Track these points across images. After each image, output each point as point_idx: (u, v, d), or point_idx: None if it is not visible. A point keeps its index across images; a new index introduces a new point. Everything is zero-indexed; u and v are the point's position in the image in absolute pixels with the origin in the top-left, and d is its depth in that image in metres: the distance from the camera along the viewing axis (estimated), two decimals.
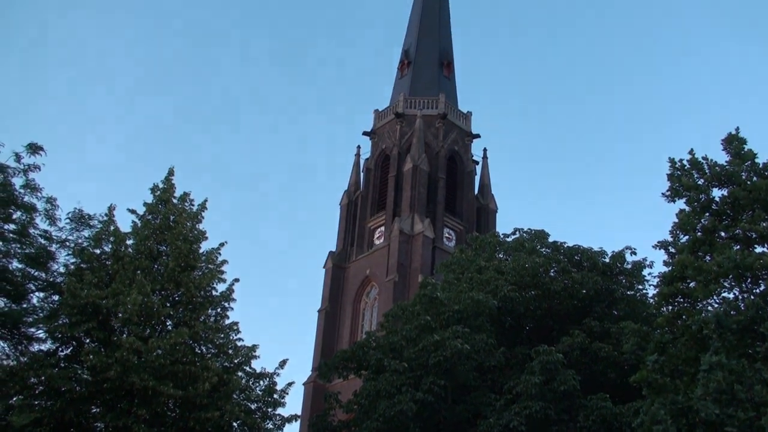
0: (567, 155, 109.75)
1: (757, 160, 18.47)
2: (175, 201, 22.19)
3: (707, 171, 18.81)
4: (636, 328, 19.86)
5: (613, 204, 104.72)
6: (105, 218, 21.30)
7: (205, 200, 22.47)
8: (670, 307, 18.11)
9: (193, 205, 22.39)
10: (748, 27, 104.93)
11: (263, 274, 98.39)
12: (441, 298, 24.74)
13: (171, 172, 22.54)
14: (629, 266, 27.18)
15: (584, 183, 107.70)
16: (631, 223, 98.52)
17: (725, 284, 17.02)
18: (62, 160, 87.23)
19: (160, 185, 22.21)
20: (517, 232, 29.96)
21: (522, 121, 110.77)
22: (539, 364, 21.69)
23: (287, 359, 21.98)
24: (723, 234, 18.06)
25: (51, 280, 20.35)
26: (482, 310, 24.25)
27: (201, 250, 21.68)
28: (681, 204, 18.93)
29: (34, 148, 19.11)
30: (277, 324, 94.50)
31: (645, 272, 27.04)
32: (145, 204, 21.97)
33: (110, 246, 20.81)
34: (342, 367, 26.02)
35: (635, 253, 27.34)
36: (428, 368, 22.62)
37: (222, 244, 22.06)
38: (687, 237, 18.48)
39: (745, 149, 18.72)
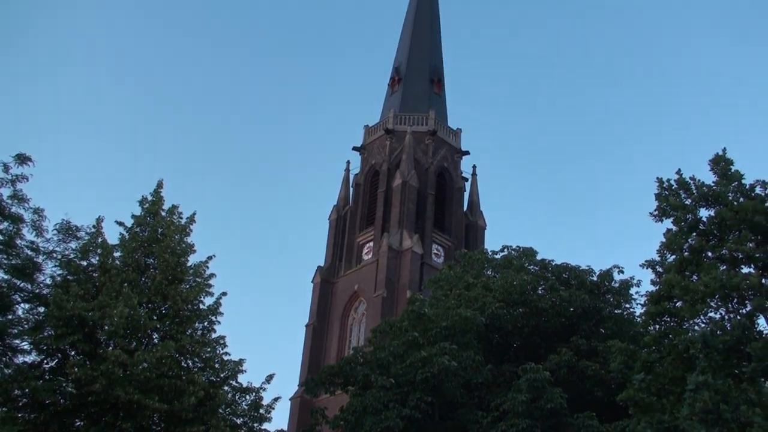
0: (557, 173, 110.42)
1: (743, 181, 18.64)
2: (163, 214, 22.10)
3: (694, 191, 18.97)
4: (623, 346, 19.91)
5: (602, 222, 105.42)
6: (92, 230, 21.20)
7: (194, 213, 22.45)
8: (657, 326, 18.19)
9: (181, 218, 22.32)
10: (742, 44, 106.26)
11: (251, 288, 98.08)
12: (429, 315, 24.72)
13: (160, 185, 22.49)
14: (617, 285, 27.28)
15: (573, 201, 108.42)
16: (619, 242, 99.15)
17: (712, 304, 17.13)
18: (50, 168, 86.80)
19: (149, 197, 22.15)
20: (506, 249, 30.03)
21: (512, 139, 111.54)
22: (526, 381, 21.67)
23: (274, 374, 21.93)
24: (710, 254, 18.19)
25: (37, 291, 20.19)
26: (470, 326, 24.24)
27: (189, 264, 21.59)
28: (668, 223, 19.09)
29: (22, 159, 19.04)
30: (264, 338, 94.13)
31: (632, 291, 27.20)
32: (133, 216, 21.89)
33: (97, 258, 20.69)
34: (329, 383, 25.90)
35: (623, 272, 27.51)
36: (415, 384, 22.56)
37: (210, 258, 22.01)
38: (674, 256, 18.60)
39: (732, 170, 18.90)
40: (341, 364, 25.71)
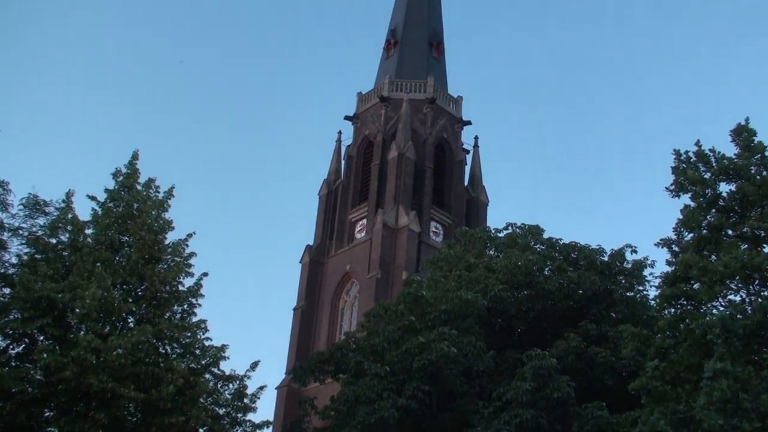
0: (565, 145, 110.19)
1: (767, 153, 18.60)
2: (139, 187, 22.01)
3: (714, 164, 18.95)
4: (635, 331, 20.00)
5: (613, 198, 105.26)
6: (62, 205, 21.10)
7: (172, 187, 22.34)
8: (673, 310, 18.25)
9: (158, 192, 22.21)
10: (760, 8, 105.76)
11: (235, 268, 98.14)
12: (426, 297, 24.78)
13: (135, 156, 22.36)
14: (629, 265, 27.36)
15: (582, 175, 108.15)
16: (632, 219, 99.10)
17: (732, 286, 17.18)
18: (15, 138, 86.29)
19: (123, 170, 22.03)
20: (510, 227, 30.05)
21: (516, 108, 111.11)
22: (531, 369, 21.78)
23: (259, 361, 21.94)
24: (730, 232, 18.22)
25: (2, 271, 20.14)
26: (471, 310, 24.31)
27: (167, 241, 21.53)
28: (686, 199, 19.09)
29: None
30: (248, 322, 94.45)
31: (646, 272, 27.27)
32: (106, 190, 21.76)
33: (68, 235, 20.61)
34: (318, 370, 26.00)
35: (636, 252, 27.55)
36: (412, 372, 22.66)
37: (190, 235, 21.93)
38: (692, 235, 18.62)
39: (755, 141, 18.86)
40: (332, 351, 25.80)
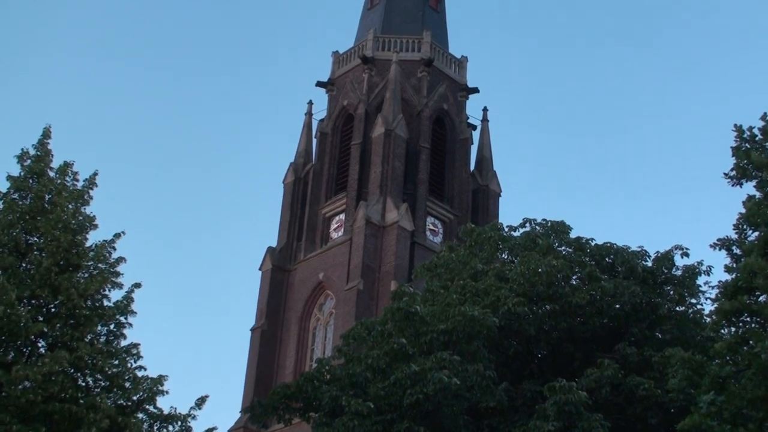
0: (594, 119, 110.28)
1: None
2: (52, 174, 22.01)
3: None
4: (686, 357, 20.08)
5: (658, 188, 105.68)
6: None
7: (95, 173, 22.33)
8: (733, 329, 18.36)
9: (77, 180, 22.21)
10: None
11: (176, 277, 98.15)
12: (421, 314, 24.81)
13: (47, 134, 22.30)
14: (679, 272, 27.49)
15: (617, 156, 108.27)
16: (682, 214, 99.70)
17: None
18: None
19: (32, 151, 21.98)
20: (528, 224, 30.11)
21: (536, 72, 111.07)
22: (555, 405, 21.87)
23: (207, 396, 21.97)
24: None
25: None
26: (478, 330, 24.36)
27: (88, 243, 21.53)
28: (750, 188, 19.20)
29: None
30: (194, 347, 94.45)
31: (700, 281, 27.36)
32: (9, 178, 21.73)
33: None
34: (283, 408, 26.01)
35: (687, 255, 27.64)
36: (402, 410, 22.71)
37: (118, 235, 21.95)
38: (757, 233, 18.73)
39: None
40: (300, 383, 25.79)
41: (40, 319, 20.10)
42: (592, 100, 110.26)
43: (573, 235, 29.12)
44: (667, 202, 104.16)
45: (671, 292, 27.34)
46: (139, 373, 21.16)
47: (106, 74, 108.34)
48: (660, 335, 26.18)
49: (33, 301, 20.33)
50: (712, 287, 26.51)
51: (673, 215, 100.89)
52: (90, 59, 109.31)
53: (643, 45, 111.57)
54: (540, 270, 26.21)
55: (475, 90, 53.23)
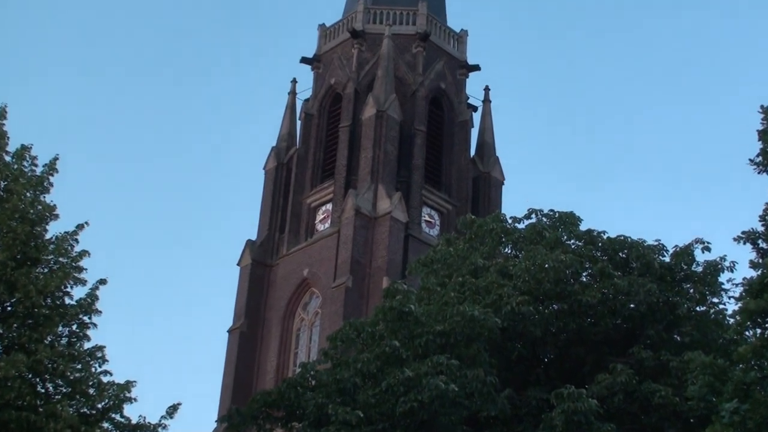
0: (607, 100, 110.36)
1: None
2: (8, 159, 21.99)
3: None
4: (707, 361, 20.12)
5: (675, 175, 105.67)
6: None
7: (56, 158, 22.32)
8: (759, 331, 18.38)
9: (36, 166, 22.23)
10: None
11: (146, 273, 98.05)
12: (416, 314, 24.83)
13: (2, 113, 22.27)
14: (699, 269, 27.53)
15: (632, 142, 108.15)
16: (703, 205, 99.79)
17: None
18: None
19: None
20: (534, 215, 30.13)
21: (542, 47, 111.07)
22: (562, 414, 21.92)
23: (180, 404, 22.07)
24: None
25: None
26: (478, 332, 24.37)
27: (48, 235, 21.53)
28: None
29: None
30: (166, 350, 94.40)
31: (723, 278, 27.42)
32: None
33: None
34: (263, 417, 26.03)
35: (709, 249, 27.66)
36: (395, 419, 22.74)
37: (81, 226, 21.95)
38: None
39: None
40: (282, 389, 25.80)
41: None
42: (605, 79, 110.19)
43: (583, 227, 29.15)
44: (686, 191, 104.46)
45: (691, 291, 27.38)
46: (105, 379, 21.17)
47: (69, 50, 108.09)
48: (678, 337, 26.23)
49: None
50: (736, 285, 26.66)
51: (694, 205, 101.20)
52: (50, 35, 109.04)
53: (664, 16, 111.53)
54: (547, 266, 26.24)
55: (476, 67, 53.25)
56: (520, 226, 30.17)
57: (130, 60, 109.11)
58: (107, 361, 21.44)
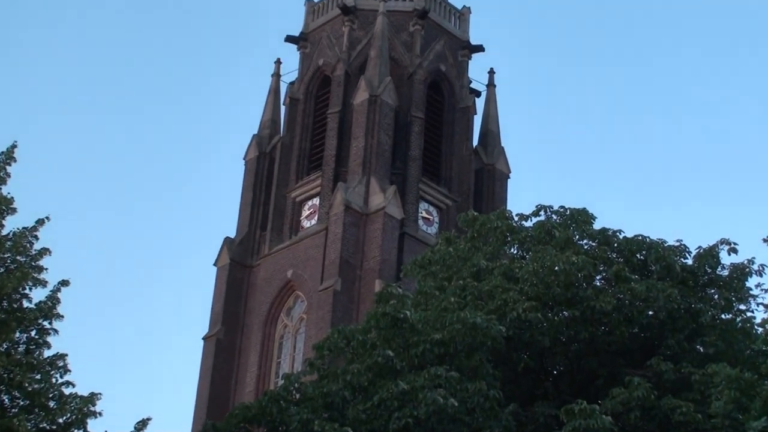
0: (624, 85, 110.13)
1: None
2: None
3: None
4: (733, 374, 20.19)
5: (698, 169, 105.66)
6: None
7: (13, 145, 22.46)
8: None
9: None
10: None
11: (113, 274, 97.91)
12: (412, 321, 24.84)
13: None
14: (725, 272, 27.59)
15: (650, 132, 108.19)
16: (729, 202, 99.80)
17: None
18: None
19: None
20: (543, 212, 30.17)
21: (553, 25, 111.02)
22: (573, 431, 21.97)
23: (149, 418, 22.12)
24: None
25: None
26: (480, 341, 24.40)
27: (4, 231, 21.64)
28: None
29: None
30: (135, 358, 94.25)
31: (750, 282, 27.51)
32: None
33: None
34: None
35: (735, 251, 27.70)
36: None
37: (41, 221, 22.03)
38: None
39: None
40: (263, 403, 25.80)
41: None
42: (622, 62, 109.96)
43: (597, 226, 29.16)
44: (712, 186, 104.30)
45: (716, 296, 27.43)
46: (66, 390, 21.19)
47: (29, 30, 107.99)
48: (702, 348, 26.22)
49: None
50: (766, 290, 26.81)
51: (720, 202, 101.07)
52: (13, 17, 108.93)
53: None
54: (556, 268, 26.26)
55: (480, 48, 53.28)
56: (528, 224, 30.22)
57: (96, 38, 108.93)
58: (69, 371, 21.48)
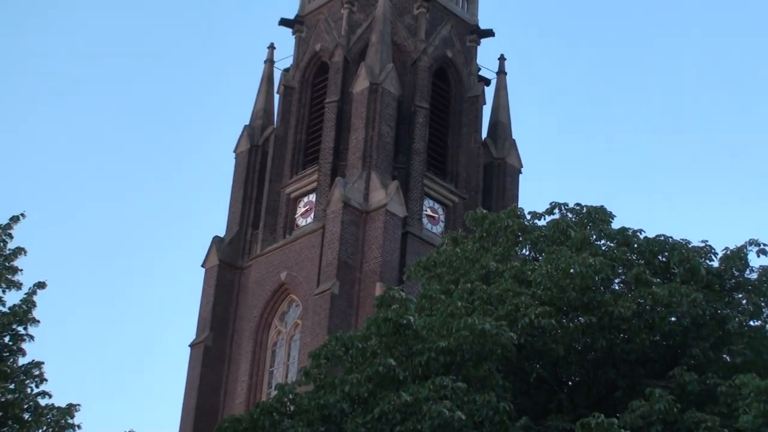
0: (643, 73, 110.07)
1: None
2: None
3: None
4: (763, 386, 20.20)
5: (724, 164, 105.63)
6: None
7: None
8: None
9: None
10: None
11: (92, 276, 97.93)
12: (415, 327, 24.84)
13: None
14: (754, 275, 27.60)
15: (672, 123, 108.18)
16: (758, 200, 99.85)
17: None
18: None
19: None
20: (557, 210, 30.18)
21: (568, 8, 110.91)
22: None
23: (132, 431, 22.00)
24: None
25: None
26: (490, 349, 24.41)
27: None
28: None
29: None
30: (116, 368, 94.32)
31: None
32: None
33: None
34: None
35: (765, 253, 27.73)
36: None
37: (16, 218, 22.13)
38: None
39: None
40: (255, 415, 25.80)
41: None
42: (644, 50, 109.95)
43: (615, 225, 29.20)
44: (739, 182, 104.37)
45: (744, 302, 27.41)
46: (42, 401, 21.23)
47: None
48: (728, 357, 26.23)
49: None
50: None
51: (748, 200, 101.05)
52: None
53: None
54: (572, 271, 26.25)
55: (489, 33, 53.27)
56: (541, 222, 30.25)
57: (77, 24, 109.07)
58: (46, 380, 21.52)
